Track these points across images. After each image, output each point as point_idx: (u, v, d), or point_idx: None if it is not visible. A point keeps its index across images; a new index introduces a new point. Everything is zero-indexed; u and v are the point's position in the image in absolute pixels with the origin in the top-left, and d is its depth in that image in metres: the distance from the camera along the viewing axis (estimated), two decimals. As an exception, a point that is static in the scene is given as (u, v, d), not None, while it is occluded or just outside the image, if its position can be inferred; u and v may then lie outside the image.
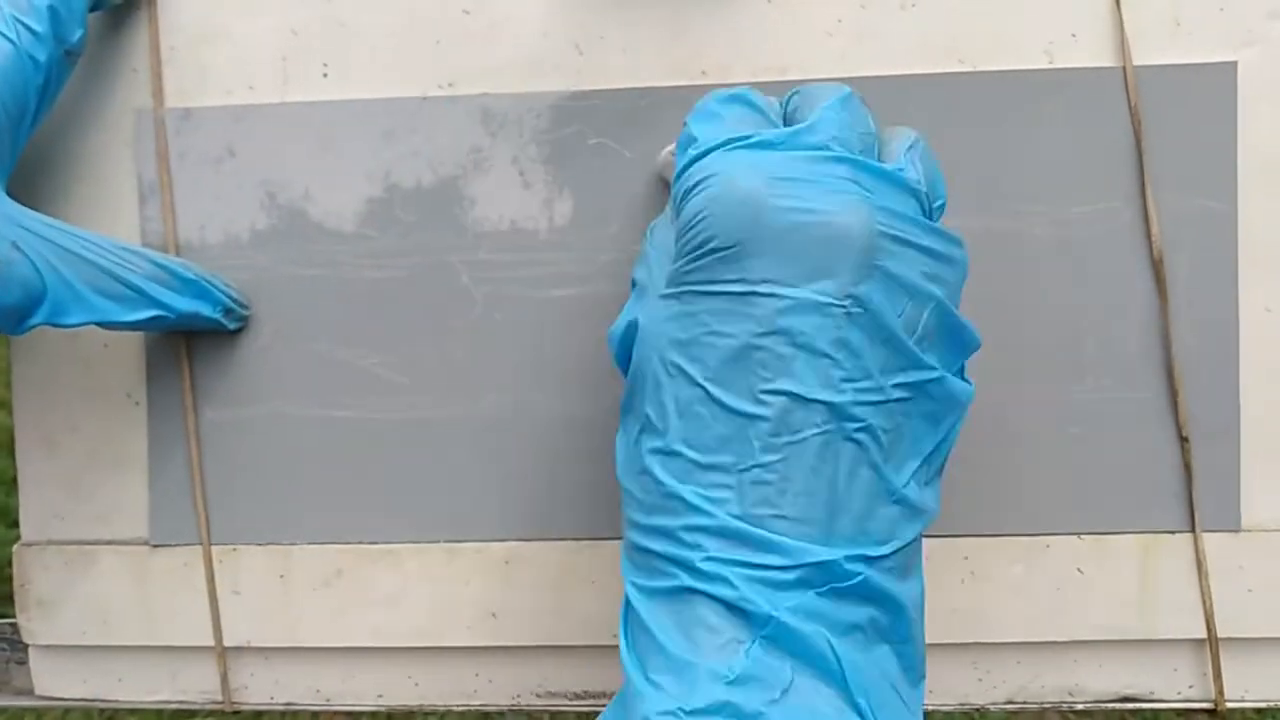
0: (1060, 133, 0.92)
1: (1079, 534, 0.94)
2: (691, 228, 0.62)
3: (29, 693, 1.06)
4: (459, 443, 0.97)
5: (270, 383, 0.99)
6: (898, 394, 0.61)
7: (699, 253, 0.61)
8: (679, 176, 0.66)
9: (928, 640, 0.91)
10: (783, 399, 0.59)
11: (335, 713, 1.03)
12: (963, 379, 0.69)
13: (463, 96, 0.97)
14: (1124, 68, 0.91)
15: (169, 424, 0.99)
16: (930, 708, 0.98)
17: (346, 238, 0.98)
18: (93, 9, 0.94)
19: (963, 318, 0.67)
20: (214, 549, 1.00)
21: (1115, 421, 0.93)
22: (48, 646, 1.04)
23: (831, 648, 0.58)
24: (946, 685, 0.98)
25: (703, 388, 0.60)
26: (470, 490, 0.97)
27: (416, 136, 0.97)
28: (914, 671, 0.67)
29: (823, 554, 0.58)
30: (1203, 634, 0.94)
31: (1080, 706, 0.97)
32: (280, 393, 0.99)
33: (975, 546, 0.94)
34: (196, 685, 1.03)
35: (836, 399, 0.59)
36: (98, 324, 0.87)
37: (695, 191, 0.63)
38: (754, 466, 0.59)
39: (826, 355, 0.59)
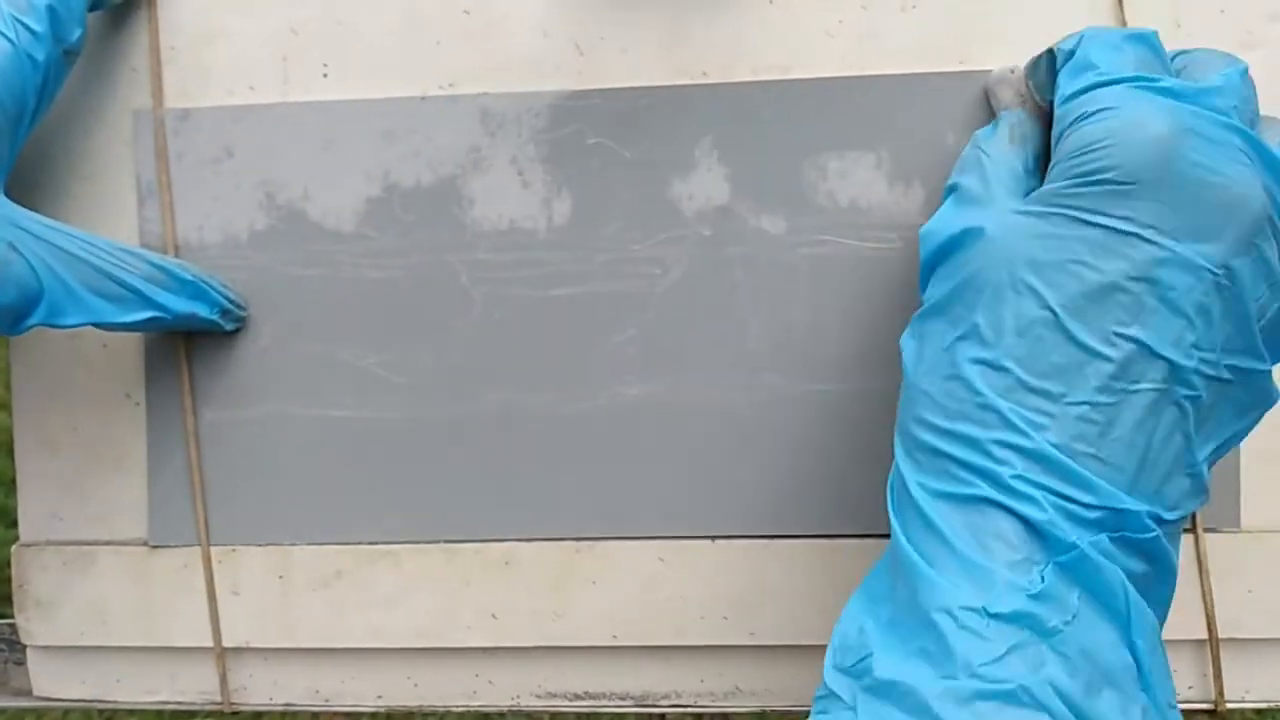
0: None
1: (1079, 534, 0.94)
2: (1084, 153, 0.62)
3: (27, 693, 1.05)
4: (458, 443, 0.97)
5: (269, 383, 0.99)
6: (1228, 374, 0.62)
7: (1088, 179, 0.61)
8: (1071, 97, 0.66)
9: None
10: (1132, 346, 0.60)
11: (334, 713, 1.03)
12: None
13: (462, 96, 0.97)
14: (1125, 68, 0.91)
15: (168, 424, 0.99)
16: (930, 708, 0.98)
17: (345, 238, 0.98)
18: (92, 8, 0.94)
19: None
20: (213, 549, 0.99)
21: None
22: (46, 647, 1.04)
23: (1124, 586, 0.59)
24: (947, 686, 0.97)
25: (1053, 312, 0.60)
26: (470, 490, 0.97)
27: (416, 136, 0.97)
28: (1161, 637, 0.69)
29: (1128, 503, 0.60)
30: (1202, 634, 0.94)
31: (1080, 707, 0.97)
32: (279, 393, 0.99)
33: (975, 547, 0.94)
34: (195, 686, 1.03)
35: (1181, 361, 0.60)
36: (94, 325, 0.87)
37: (1094, 119, 0.63)
38: (1083, 403, 0.60)
39: (1185, 316, 0.60)
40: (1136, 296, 0.59)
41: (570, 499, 0.97)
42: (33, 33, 0.87)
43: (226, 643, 1.01)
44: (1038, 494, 0.59)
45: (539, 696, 1.01)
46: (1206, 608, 0.94)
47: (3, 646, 1.07)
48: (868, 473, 0.94)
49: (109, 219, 1.00)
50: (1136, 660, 0.61)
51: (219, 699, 1.02)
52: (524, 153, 0.97)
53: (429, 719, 1.39)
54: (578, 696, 1.01)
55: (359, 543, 0.99)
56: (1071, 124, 0.64)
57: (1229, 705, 0.96)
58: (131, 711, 1.16)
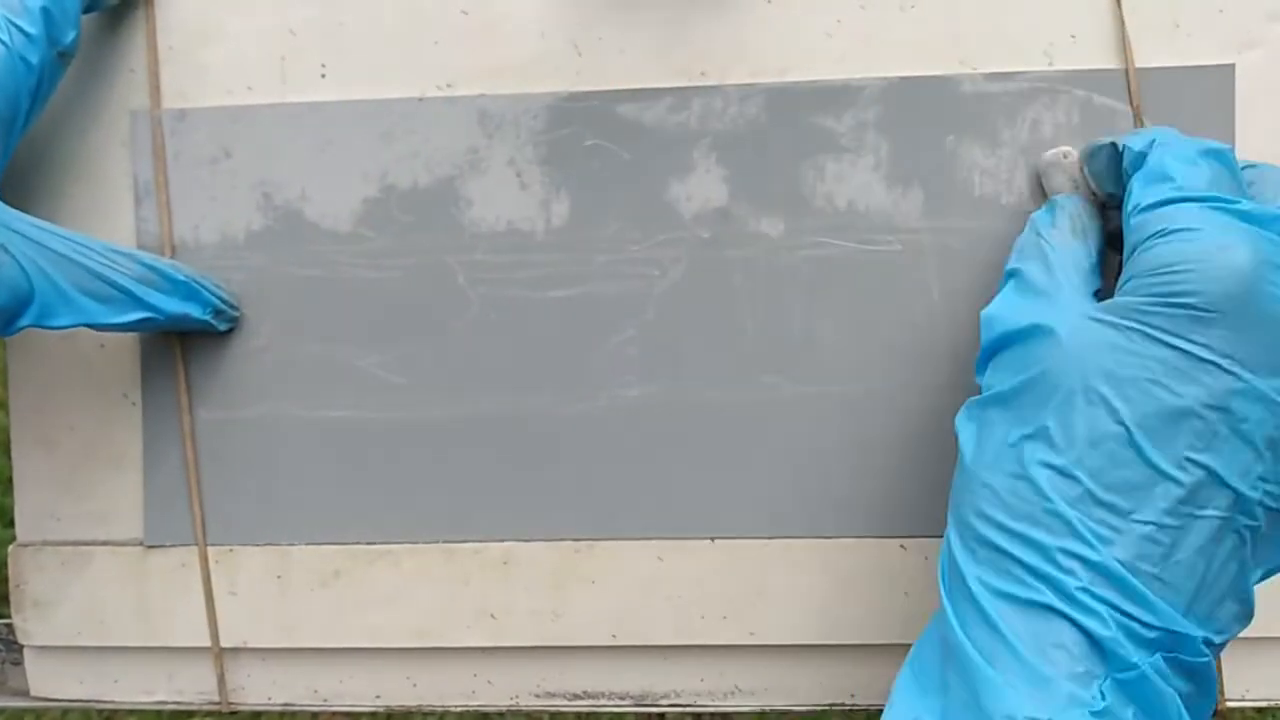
0: (1060, 134, 0.92)
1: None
2: (1165, 273, 0.62)
3: (25, 693, 1.05)
4: (457, 443, 0.97)
5: (266, 383, 0.99)
6: None
7: (1170, 301, 0.61)
8: (1148, 208, 0.67)
9: (927, 641, 0.91)
10: (1202, 473, 0.60)
11: (333, 713, 1.03)
12: None
13: (460, 97, 0.97)
14: (1125, 70, 0.91)
15: (164, 424, 0.99)
16: (929, 708, 0.98)
17: (343, 238, 0.98)
18: (87, 10, 0.94)
19: None
20: (210, 549, 0.99)
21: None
22: (44, 647, 1.03)
23: (1179, 711, 0.60)
24: (945, 686, 0.98)
25: (1127, 428, 0.61)
26: (469, 490, 0.97)
27: (414, 137, 0.97)
28: None
29: (1185, 626, 0.61)
30: (1201, 634, 0.94)
31: (1079, 706, 0.97)
32: (276, 393, 0.99)
33: (974, 547, 0.94)
34: (193, 686, 1.03)
35: (1247, 491, 0.61)
36: (86, 326, 0.86)
37: (1175, 238, 0.63)
38: (1150, 523, 0.60)
39: (1255, 448, 0.61)
40: (1210, 424, 0.60)
41: (570, 499, 0.97)
42: (26, 35, 0.86)
43: (224, 642, 1.00)
44: (1102, 608, 0.59)
45: (538, 696, 1.01)
46: (1205, 608, 0.94)
47: (0, 647, 1.07)
48: (867, 473, 0.94)
49: (105, 219, 0.99)
50: None
51: (217, 699, 1.02)
52: (522, 154, 0.96)
53: (428, 719, 1.39)
54: (577, 696, 1.01)
55: (357, 543, 0.99)
56: (1150, 238, 0.65)
57: (1229, 704, 0.96)
58: (130, 711, 1.16)
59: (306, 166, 0.98)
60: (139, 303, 0.88)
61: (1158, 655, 0.60)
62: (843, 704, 0.99)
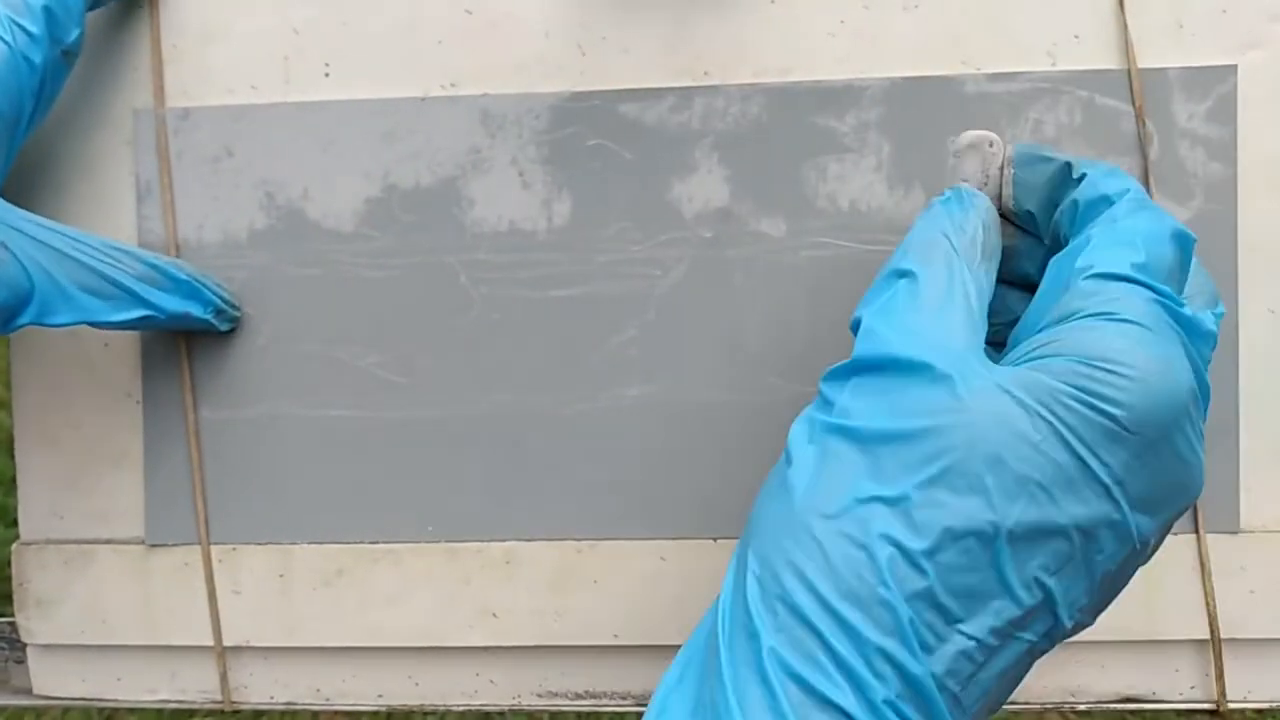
0: (1062, 134, 0.92)
1: (1080, 535, 0.94)
2: (1103, 370, 0.55)
3: (27, 692, 1.05)
4: (458, 443, 0.97)
5: (269, 382, 0.99)
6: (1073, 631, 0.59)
7: (1095, 405, 0.54)
8: (1105, 276, 0.60)
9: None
10: (1042, 596, 0.55)
11: (335, 712, 1.03)
12: None
13: (462, 97, 0.97)
14: (1128, 70, 0.91)
15: (166, 423, 0.99)
16: (930, 708, 0.98)
17: (345, 238, 0.98)
18: (91, 8, 0.94)
19: None
20: (213, 548, 0.99)
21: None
22: (46, 646, 1.04)
23: None
24: (947, 686, 0.98)
25: (995, 531, 0.53)
26: (470, 490, 0.97)
27: (416, 137, 0.97)
28: None
29: None
30: (1204, 635, 0.94)
31: (1082, 707, 0.97)
32: (279, 392, 0.99)
33: (976, 548, 0.94)
34: (196, 685, 1.03)
35: (1065, 621, 0.56)
36: (87, 323, 0.86)
37: (1122, 332, 0.56)
38: (974, 639, 0.54)
39: (1093, 580, 0.56)
40: (1072, 548, 0.55)
41: (571, 499, 0.97)
42: (29, 35, 0.86)
43: (227, 641, 1.01)
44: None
45: (539, 696, 1.01)
46: (1208, 608, 0.94)
47: (3, 645, 1.07)
48: (868, 473, 0.94)
49: (108, 217, 1.00)
50: None
51: (219, 698, 1.02)
52: (524, 154, 0.97)
53: (429, 718, 1.39)
54: (578, 696, 1.01)
55: (360, 542, 0.99)
56: (1095, 316, 0.57)
57: (1231, 705, 0.96)
58: (131, 710, 1.17)
59: (309, 166, 0.98)
60: (140, 301, 0.88)
61: None
62: (844, 704, 0.99)
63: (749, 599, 0.55)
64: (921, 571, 0.53)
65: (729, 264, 0.94)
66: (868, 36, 0.94)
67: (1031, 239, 0.76)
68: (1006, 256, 0.74)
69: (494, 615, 0.98)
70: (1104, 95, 0.92)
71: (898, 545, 0.53)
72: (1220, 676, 0.95)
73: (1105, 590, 0.61)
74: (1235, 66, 0.91)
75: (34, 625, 1.03)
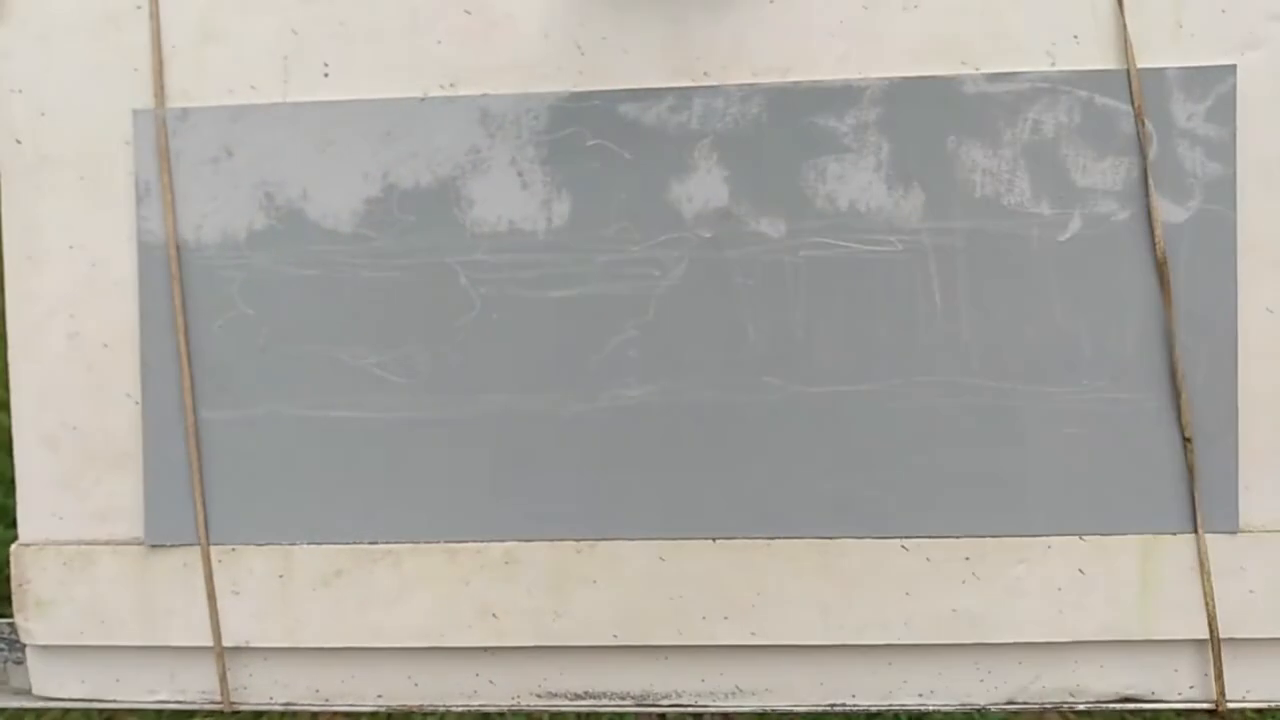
0: (1061, 134, 0.92)
1: (1080, 535, 0.94)
2: None
3: (27, 692, 1.05)
4: (458, 443, 0.97)
5: (268, 383, 0.99)
6: None
7: None
8: None
9: (930, 640, 0.91)
10: None
11: (335, 713, 1.03)
12: None
13: (462, 97, 0.97)
14: (1128, 70, 0.91)
15: (166, 424, 0.99)
16: (931, 707, 0.98)
17: (344, 238, 0.98)
18: None
19: None
20: (213, 549, 0.99)
21: (1115, 422, 0.93)
22: (46, 647, 1.03)
23: None
24: (948, 685, 0.98)
25: None
26: (470, 490, 0.97)
27: (415, 137, 0.97)
28: None
29: None
30: (1203, 635, 0.94)
31: (1081, 707, 0.98)
32: (278, 393, 0.98)
33: (976, 547, 0.94)
34: (195, 685, 1.03)
35: None
36: None
37: None
38: None
39: None
40: None
41: (570, 499, 0.97)
42: None
43: (227, 642, 1.00)
44: None
45: (539, 696, 1.01)
46: (1207, 608, 0.94)
47: (3, 646, 1.07)
48: (867, 473, 0.94)
49: (108, 217, 0.99)
50: None
51: (219, 698, 1.02)
52: (524, 154, 0.96)
53: (429, 718, 1.39)
54: (578, 696, 1.01)
55: (359, 542, 0.99)
56: None
57: (1230, 705, 0.96)
58: (131, 711, 1.16)
59: (308, 166, 0.98)
60: None
61: None
62: (843, 704, 0.99)
63: None
64: None
65: (728, 264, 0.94)
66: (868, 36, 0.94)
67: None
68: None
69: (493, 615, 0.98)
70: (1103, 95, 0.92)
71: None
72: (1219, 676, 0.95)
73: None
74: (1234, 66, 0.91)
75: (33, 626, 1.02)
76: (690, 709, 1.00)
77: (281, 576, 0.99)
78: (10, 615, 1.04)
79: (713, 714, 1.02)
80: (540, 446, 0.96)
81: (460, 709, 1.02)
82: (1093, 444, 0.93)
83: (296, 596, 1.00)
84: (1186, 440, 0.92)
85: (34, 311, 0.98)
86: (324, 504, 0.99)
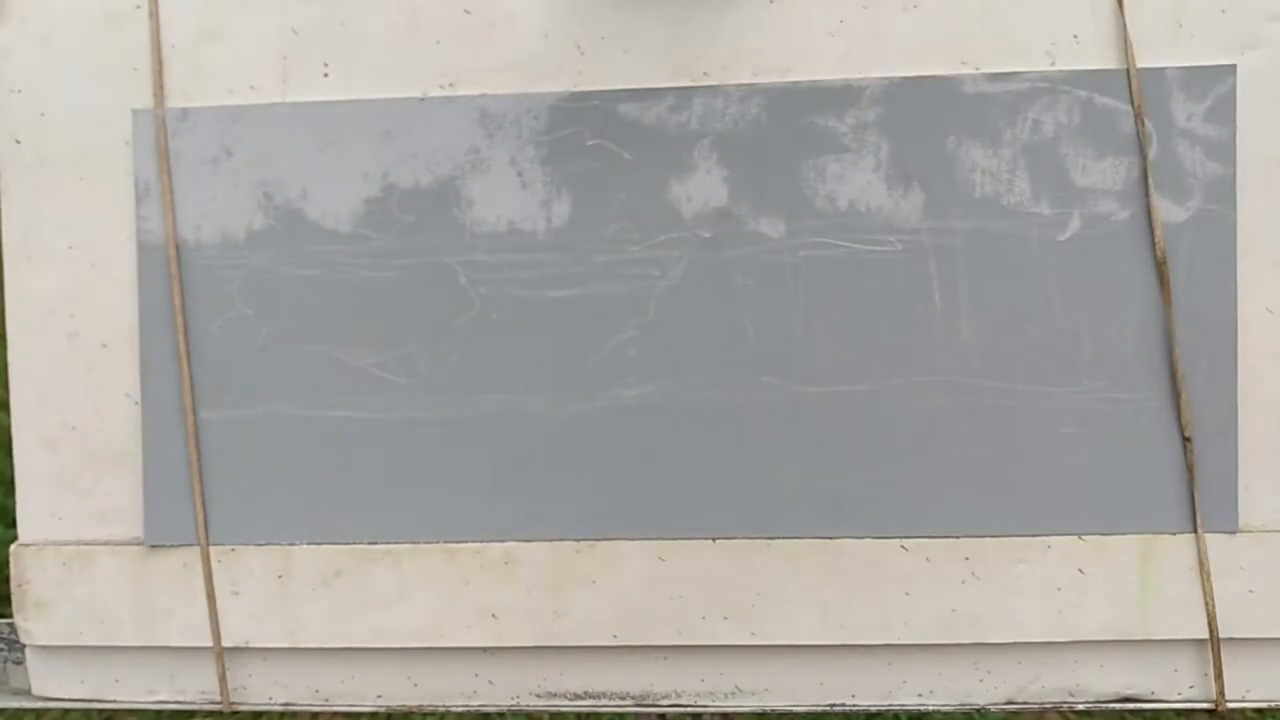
0: (1060, 134, 0.92)
1: (1079, 534, 0.94)
2: None
3: (26, 693, 1.05)
4: (457, 443, 0.97)
5: (268, 383, 0.99)
6: None
7: None
8: None
9: (930, 640, 0.91)
10: None
11: (334, 713, 1.03)
12: None
13: (461, 97, 0.97)
14: (1127, 70, 0.91)
15: (166, 423, 0.99)
16: (931, 707, 0.98)
17: (344, 238, 0.98)
18: None
19: None
20: (212, 549, 0.99)
21: (1115, 422, 0.93)
22: (45, 647, 1.03)
23: None
24: (947, 685, 0.98)
25: None
26: (469, 490, 0.97)
27: (415, 137, 0.97)
28: None
29: None
30: (1203, 634, 0.94)
31: (1081, 706, 0.98)
32: (278, 393, 0.98)
33: (976, 547, 0.94)
34: (195, 685, 1.03)
35: None
36: None
37: None
38: None
39: None
40: None
41: (570, 499, 0.97)
42: None
43: (226, 642, 1.00)
44: None
45: (539, 696, 1.01)
46: (1207, 607, 0.94)
47: (2, 646, 1.07)
48: (867, 473, 0.94)
49: (108, 217, 0.99)
50: None
51: (218, 699, 1.02)
52: (523, 154, 0.96)
53: (429, 719, 1.39)
54: (578, 696, 1.01)
55: (359, 542, 0.99)
56: None
57: (1229, 705, 0.96)
58: (131, 711, 1.16)
59: (308, 166, 0.98)
60: None
61: None
62: (843, 704, 0.99)
63: None
64: None
65: (728, 264, 0.94)
66: (867, 36, 0.94)
67: None
68: None
69: (493, 616, 0.98)
70: (1103, 95, 0.92)
71: None
72: (1219, 676, 0.95)
73: None
74: (1234, 66, 0.91)
75: (33, 626, 1.02)
76: (690, 709, 1.00)
77: (281, 577, 0.99)
78: (10, 615, 1.04)
79: (713, 714, 1.02)
80: (540, 446, 0.96)
81: (460, 709, 1.02)
82: (1093, 444, 0.93)
83: (296, 597, 1.00)
84: (1186, 440, 0.92)
85: (34, 311, 0.98)
86: (323, 504, 0.99)
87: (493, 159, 0.96)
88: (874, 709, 0.99)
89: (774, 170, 0.94)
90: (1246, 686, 0.96)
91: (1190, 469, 0.93)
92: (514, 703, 1.01)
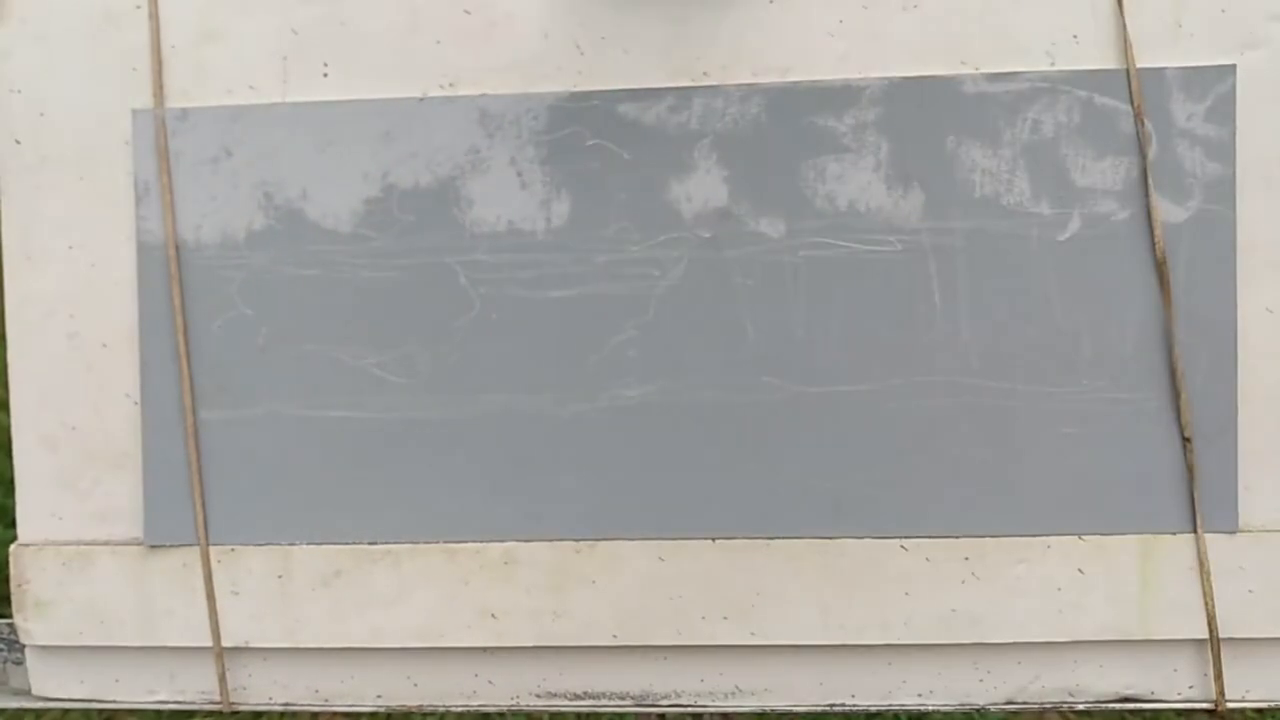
0: (1060, 134, 0.92)
1: (1079, 534, 0.94)
2: None
3: (26, 693, 1.05)
4: (457, 443, 0.97)
5: (268, 383, 0.99)
6: None
7: None
8: None
9: (930, 640, 0.91)
10: None
11: (334, 713, 1.03)
12: None
13: (461, 97, 0.97)
14: (1127, 70, 0.91)
15: (165, 424, 0.99)
16: (931, 707, 0.98)
17: (344, 238, 0.98)
18: None
19: None
20: (212, 549, 0.99)
21: (1115, 422, 0.93)
22: (45, 647, 1.03)
23: None
24: (947, 685, 0.98)
25: None
26: (469, 490, 0.97)
27: (415, 137, 0.97)
28: None
29: None
30: (1202, 634, 0.94)
31: (1081, 706, 0.98)
32: (278, 393, 0.98)
33: (976, 546, 0.94)
34: (195, 686, 1.03)
35: None
36: None
37: None
38: None
39: None
40: None
41: (570, 499, 0.97)
42: None
43: (226, 643, 1.00)
44: None
45: (539, 696, 1.01)
46: (1207, 607, 0.94)
47: (2, 646, 1.07)
48: (867, 473, 0.94)
49: (108, 217, 0.99)
50: None
51: (218, 699, 1.02)
52: (523, 154, 0.96)
53: (429, 719, 1.39)
54: (578, 696, 1.01)
55: (359, 542, 0.99)
56: None
57: (1229, 705, 0.96)
58: (131, 711, 1.16)
59: (308, 166, 0.98)
60: None
61: None
62: (842, 704, 0.99)
63: None
64: None
65: (727, 264, 0.94)
66: (867, 36, 0.94)
67: None
68: None
69: (493, 616, 0.98)
70: (1103, 95, 0.92)
71: None
72: (1219, 676, 0.95)
73: None
74: (1234, 66, 0.91)
75: (33, 626, 1.02)
76: (690, 709, 1.00)
77: (281, 577, 0.99)
78: (10, 615, 1.04)
79: (712, 714, 1.02)
80: (540, 446, 0.96)
81: (460, 709, 1.02)
82: (1093, 444, 0.93)
83: (296, 597, 1.00)
84: (1186, 440, 0.93)
85: (33, 311, 0.98)
86: (323, 504, 0.99)
87: (493, 159, 0.96)
88: (874, 709, 0.99)
89: (774, 170, 0.94)
90: (1246, 686, 0.96)
91: (1190, 469, 0.93)
92: (514, 703, 1.01)
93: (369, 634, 1.00)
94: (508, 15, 0.97)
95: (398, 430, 0.97)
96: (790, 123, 0.94)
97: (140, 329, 0.98)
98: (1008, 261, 0.92)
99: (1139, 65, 0.91)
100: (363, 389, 0.98)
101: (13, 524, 1.03)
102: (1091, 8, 0.92)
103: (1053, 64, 0.92)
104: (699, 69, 0.95)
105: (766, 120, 0.94)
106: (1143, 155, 0.91)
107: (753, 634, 0.97)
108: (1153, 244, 0.92)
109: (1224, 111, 0.91)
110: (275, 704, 1.03)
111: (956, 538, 0.94)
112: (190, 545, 1.00)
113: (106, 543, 1.01)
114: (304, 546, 0.99)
